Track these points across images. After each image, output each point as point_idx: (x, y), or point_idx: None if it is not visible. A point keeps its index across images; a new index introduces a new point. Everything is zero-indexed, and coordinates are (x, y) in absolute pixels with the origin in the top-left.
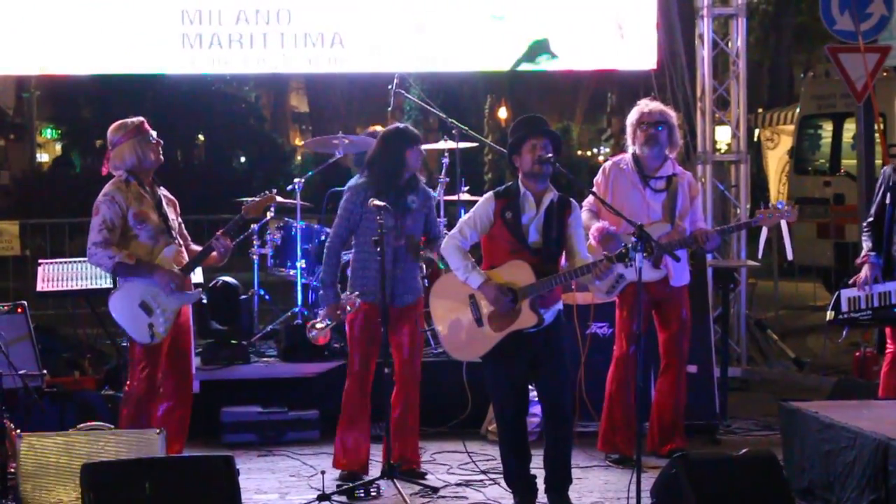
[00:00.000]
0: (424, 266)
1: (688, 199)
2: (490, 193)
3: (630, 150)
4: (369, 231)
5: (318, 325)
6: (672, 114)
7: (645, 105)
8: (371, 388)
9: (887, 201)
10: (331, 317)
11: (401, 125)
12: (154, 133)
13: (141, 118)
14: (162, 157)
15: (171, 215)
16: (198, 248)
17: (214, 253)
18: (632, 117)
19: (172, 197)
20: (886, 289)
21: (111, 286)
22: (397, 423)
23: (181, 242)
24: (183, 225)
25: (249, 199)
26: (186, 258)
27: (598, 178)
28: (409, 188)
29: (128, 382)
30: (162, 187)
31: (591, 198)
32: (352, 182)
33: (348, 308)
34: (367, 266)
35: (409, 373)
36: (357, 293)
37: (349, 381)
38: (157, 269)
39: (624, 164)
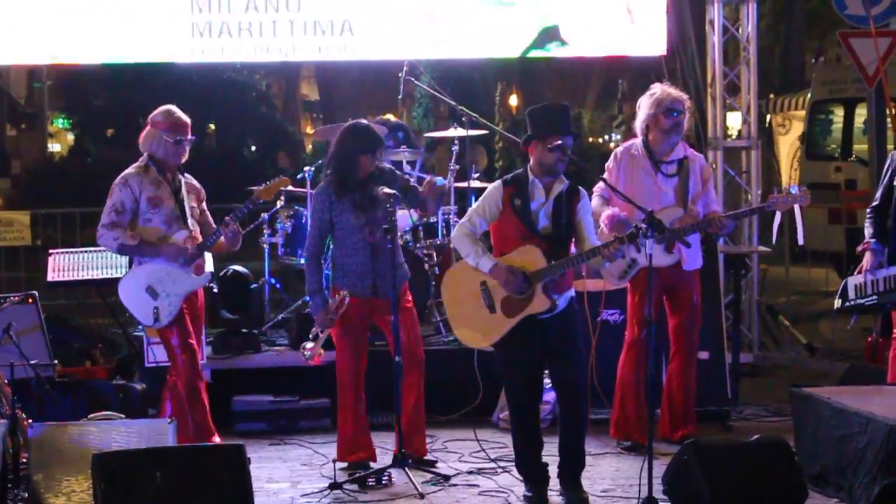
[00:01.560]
0: (435, 254)
1: (700, 182)
2: (498, 181)
3: (640, 135)
4: (344, 229)
5: (309, 346)
6: (686, 98)
7: (666, 91)
8: (364, 379)
9: (895, 184)
10: (323, 324)
11: (361, 124)
12: (184, 137)
13: (179, 119)
14: (182, 158)
15: (192, 203)
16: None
17: (222, 238)
18: (651, 103)
19: (197, 185)
20: (892, 273)
21: (121, 276)
22: (406, 412)
23: (195, 229)
24: (207, 213)
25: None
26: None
27: (610, 164)
28: (373, 180)
29: (169, 376)
30: (186, 175)
31: (601, 184)
32: (316, 188)
33: (340, 309)
34: (347, 262)
35: (412, 361)
36: (344, 291)
37: (340, 376)
38: (163, 245)
39: (635, 149)
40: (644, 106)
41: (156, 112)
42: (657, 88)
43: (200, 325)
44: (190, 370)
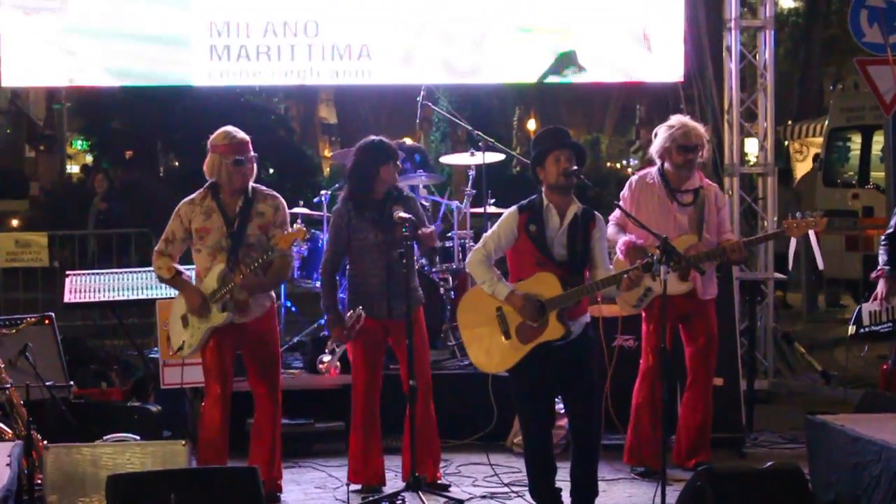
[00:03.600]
0: (450, 278)
1: (714, 211)
2: (514, 207)
3: (657, 163)
4: (361, 246)
5: (325, 359)
6: (703, 132)
7: (683, 128)
8: (379, 401)
9: None
10: (339, 340)
11: (376, 139)
12: (243, 156)
13: (234, 138)
14: (246, 179)
15: (254, 231)
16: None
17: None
18: (667, 136)
19: (274, 204)
20: None
21: (138, 298)
22: (417, 435)
23: (240, 263)
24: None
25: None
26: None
27: (625, 192)
28: (392, 201)
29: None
30: (263, 195)
31: (617, 212)
32: (336, 205)
33: (356, 326)
34: (363, 282)
35: (421, 383)
36: (360, 307)
37: (355, 397)
38: (185, 287)
39: (650, 178)
40: (660, 136)
41: (213, 136)
42: (675, 120)
43: (265, 357)
44: (209, 400)
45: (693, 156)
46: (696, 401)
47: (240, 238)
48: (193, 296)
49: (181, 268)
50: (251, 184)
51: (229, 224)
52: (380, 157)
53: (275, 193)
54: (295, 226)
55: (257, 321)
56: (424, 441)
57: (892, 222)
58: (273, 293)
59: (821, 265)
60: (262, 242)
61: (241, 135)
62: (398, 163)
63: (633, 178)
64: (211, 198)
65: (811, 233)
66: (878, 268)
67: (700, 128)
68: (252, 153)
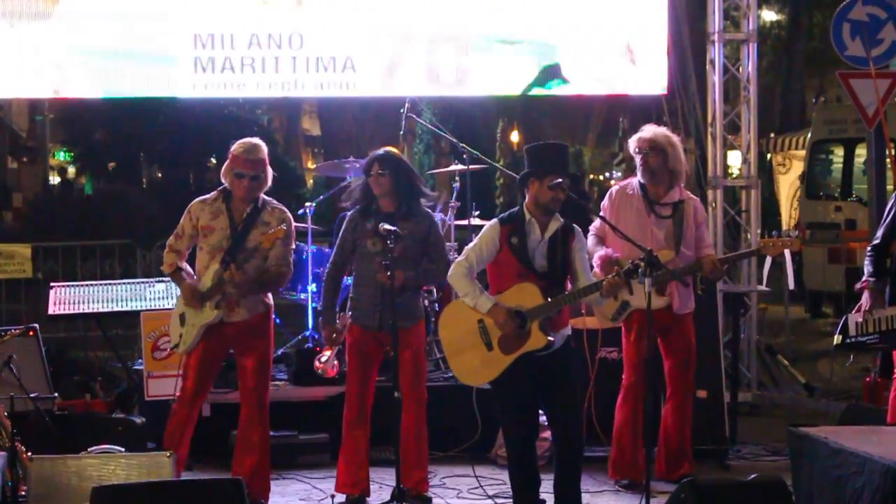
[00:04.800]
0: (435, 290)
1: (693, 226)
2: (495, 220)
3: (638, 175)
4: (362, 258)
5: (322, 359)
6: (670, 138)
7: (641, 131)
8: (370, 412)
9: None
10: (329, 340)
11: (373, 152)
12: (243, 172)
13: (241, 154)
14: (246, 192)
15: (256, 238)
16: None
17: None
18: (632, 142)
19: (280, 218)
20: (894, 312)
21: (122, 309)
22: (405, 448)
23: (237, 268)
24: (280, 250)
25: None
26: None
27: (605, 202)
28: (397, 216)
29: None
30: (272, 209)
31: (597, 222)
32: (349, 211)
33: (342, 332)
34: (361, 293)
35: (413, 396)
36: (349, 315)
37: (346, 406)
38: (181, 282)
39: (630, 189)
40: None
41: (236, 143)
42: (643, 127)
43: (255, 357)
44: (183, 397)
45: (648, 158)
46: (676, 413)
47: (240, 242)
48: (188, 290)
49: (185, 266)
50: (263, 196)
51: (233, 227)
52: (364, 170)
53: (283, 208)
54: (280, 226)
55: (251, 323)
56: (412, 453)
57: (878, 233)
58: (270, 301)
59: (791, 284)
60: (261, 251)
61: (256, 152)
62: (378, 174)
63: (614, 189)
64: (222, 200)
65: (786, 252)
66: (863, 279)
67: (664, 132)
68: (262, 172)
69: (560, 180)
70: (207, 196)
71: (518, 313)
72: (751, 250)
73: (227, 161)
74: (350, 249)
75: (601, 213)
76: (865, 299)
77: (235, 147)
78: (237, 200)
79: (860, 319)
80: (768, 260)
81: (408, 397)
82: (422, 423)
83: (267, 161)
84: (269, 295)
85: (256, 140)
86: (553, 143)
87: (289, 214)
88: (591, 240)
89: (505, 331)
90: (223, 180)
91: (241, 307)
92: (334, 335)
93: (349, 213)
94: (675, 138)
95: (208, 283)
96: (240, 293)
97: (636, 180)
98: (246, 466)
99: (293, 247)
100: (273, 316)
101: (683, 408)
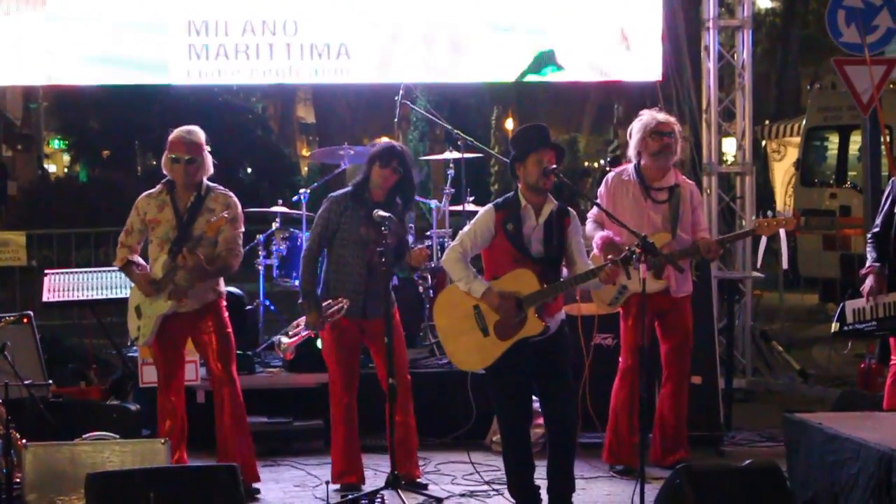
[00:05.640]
0: (430, 276)
1: (689, 209)
2: (490, 206)
3: (633, 160)
4: (347, 240)
5: (286, 340)
6: (675, 123)
7: (652, 115)
8: (357, 400)
9: (895, 211)
10: (314, 325)
11: (388, 143)
12: (179, 155)
13: (174, 137)
14: (183, 177)
15: (202, 226)
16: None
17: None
18: (639, 127)
19: (226, 203)
20: (892, 299)
21: (116, 297)
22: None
23: (186, 256)
24: (229, 234)
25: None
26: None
27: (601, 189)
28: (386, 207)
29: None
30: (218, 193)
31: (595, 210)
32: (334, 193)
33: (335, 316)
34: (343, 279)
35: (399, 383)
36: (342, 299)
37: (333, 397)
38: (133, 275)
39: (626, 174)
40: (634, 131)
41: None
42: (645, 113)
43: (217, 339)
44: (160, 387)
45: (669, 140)
46: (672, 398)
47: (186, 231)
48: (140, 281)
49: (137, 259)
50: (206, 182)
51: (179, 217)
52: (373, 157)
53: (228, 192)
54: (222, 213)
55: (204, 312)
56: (407, 440)
57: (877, 221)
58: (221, 289)
59: (785, 264)
60: (207, 239)
61: (190, 136)
62: (393, 168)
63: (610, 175)
64: (166, 192)
65: (782, 232)
66: (868, 265)
67: (670, 117)
68: (197, 155)
69: (555, 167)
70: (153, 190)
71: (513, 298)
72: (746, 230)
73: (166, 147)
74: (333, 232)
75: (597, 201)
76: (870, 283)
77: (171, 134)
78: (180, 189)
79: (860, 306)
80: (762, 245)
81: (400, 385)
82: (410, 408)
83: (203, 145)
84: (221, 282)
85: (192, 126)
86: (531, 124)
87: (234, 199)
88: (589, 225)
89: (502, 314)
90: (164, 171)
91: (190, 297)
92: (321, 318)
93: (334, 195)
94: None
95: (159, 275)
96: (193, 279)
97: (631, 166)
98: (224, 429)
99: (241, 230)
100: (224, 303)
101: (679, 393)
